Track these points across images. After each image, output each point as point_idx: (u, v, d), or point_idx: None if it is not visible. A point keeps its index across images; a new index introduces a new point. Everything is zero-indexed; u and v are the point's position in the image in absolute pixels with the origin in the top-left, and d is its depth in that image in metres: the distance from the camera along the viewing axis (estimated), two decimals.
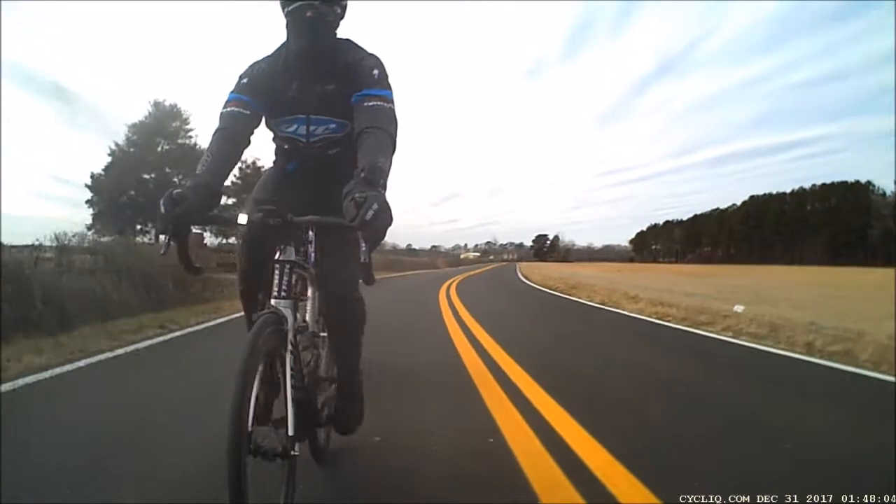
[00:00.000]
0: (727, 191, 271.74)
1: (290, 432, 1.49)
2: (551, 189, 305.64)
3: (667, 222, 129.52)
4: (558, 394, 3.48)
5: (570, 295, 14.71)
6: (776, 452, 2.53)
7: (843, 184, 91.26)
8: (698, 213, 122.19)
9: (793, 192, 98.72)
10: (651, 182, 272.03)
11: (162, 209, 1.51)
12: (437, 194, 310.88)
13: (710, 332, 7.10)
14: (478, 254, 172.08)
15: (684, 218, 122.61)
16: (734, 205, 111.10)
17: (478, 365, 4.54)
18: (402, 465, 2.32)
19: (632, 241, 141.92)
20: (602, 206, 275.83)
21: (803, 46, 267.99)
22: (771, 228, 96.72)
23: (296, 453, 1.51)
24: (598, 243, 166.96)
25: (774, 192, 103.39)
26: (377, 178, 1.53)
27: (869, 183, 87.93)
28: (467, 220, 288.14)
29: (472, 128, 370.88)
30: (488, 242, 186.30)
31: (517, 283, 22.74)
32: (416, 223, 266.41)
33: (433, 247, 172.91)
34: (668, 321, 8.30)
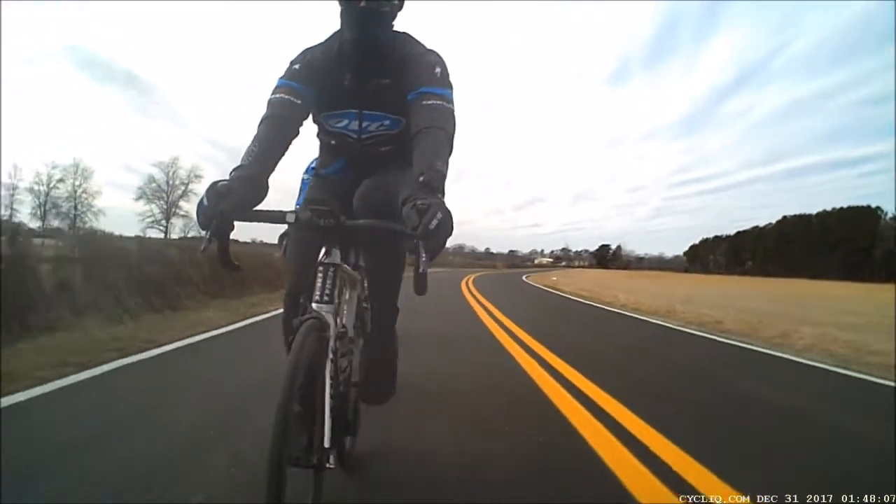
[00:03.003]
0: (802, 203, 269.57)
1: (327, 444, 1.46)
2: (631, 197, 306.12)
3: (716, 237, 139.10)
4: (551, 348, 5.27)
5: (554, 288, 20.87)
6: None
7: (856, 208, 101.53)
8: (741, 229, 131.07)
9: (818, 214, 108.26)
10: (728, 193, 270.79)
11: (205, 202, 1.44)
12: (522, 198, 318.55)
13: (648, 318, 10.04)
14: (551, 259, 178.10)
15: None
16: (770, 223, 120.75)
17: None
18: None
19: (685, 253, 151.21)
20: (680, 216, 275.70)
21: (877, 59, 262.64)
22: (798, 246, 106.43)
23: (330, 465, 1.48)
24: (672, 253, 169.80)
25: (806, 212, 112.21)
26: (438, 184, 1.51)
27: (878, 207, 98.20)
28: (549, 225, 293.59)
29: (556, 133, 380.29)
30: (563, 249, 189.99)
31: (521, 283, 27.07)
32: (499, 226, 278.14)
33: (511, 251, 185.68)
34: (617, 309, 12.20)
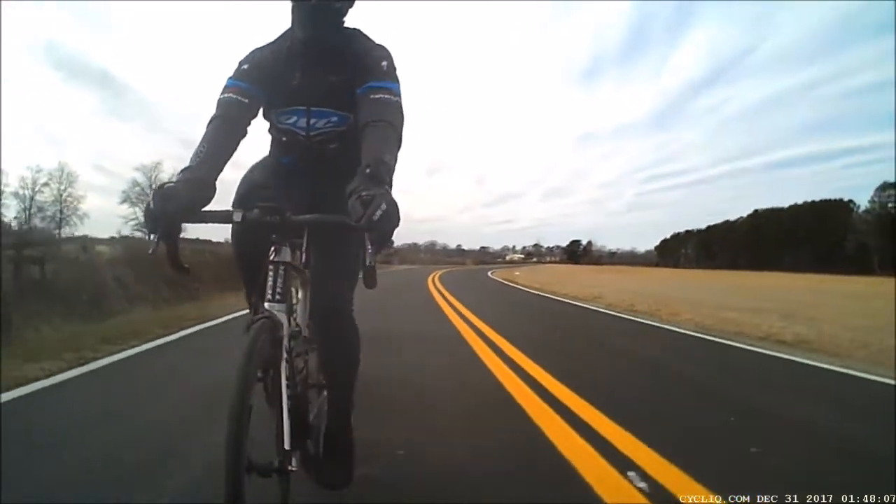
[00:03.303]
0: (780, 197, 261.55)
1: (287, 446, 1.44)
2: (604, 192, 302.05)
3: (686, 231, 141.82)
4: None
5: (512, 282, 23.88)
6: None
7: (828, 201, 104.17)
8: (711, 223, 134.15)
9: (789, 207, 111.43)
10: (704, 187, 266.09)
11: (151, 205, 1.43)
12: (494, 194, 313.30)
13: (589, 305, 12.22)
14: (522, 255, 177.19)
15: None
16: (741, 217, 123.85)
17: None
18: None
19: (657, 248, 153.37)
20: (654, 211, 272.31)
21: (857, 54, 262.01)
22: (769, 239, 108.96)
23: (293, 468, 1.46)
24: (644, 248, 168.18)
25: (774, 206, 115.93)
26: (384, 176, 1.49)
27: (850, 201, 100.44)
28: (521, 221, 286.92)
29: (528, 129, 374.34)
30: (535, 245, 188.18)
31: (484, 277, 30.19)
32: (471, 223, 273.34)
33: (482, 248, 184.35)
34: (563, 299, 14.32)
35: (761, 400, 3.97)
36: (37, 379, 3.90)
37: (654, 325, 8.61)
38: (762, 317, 9.86)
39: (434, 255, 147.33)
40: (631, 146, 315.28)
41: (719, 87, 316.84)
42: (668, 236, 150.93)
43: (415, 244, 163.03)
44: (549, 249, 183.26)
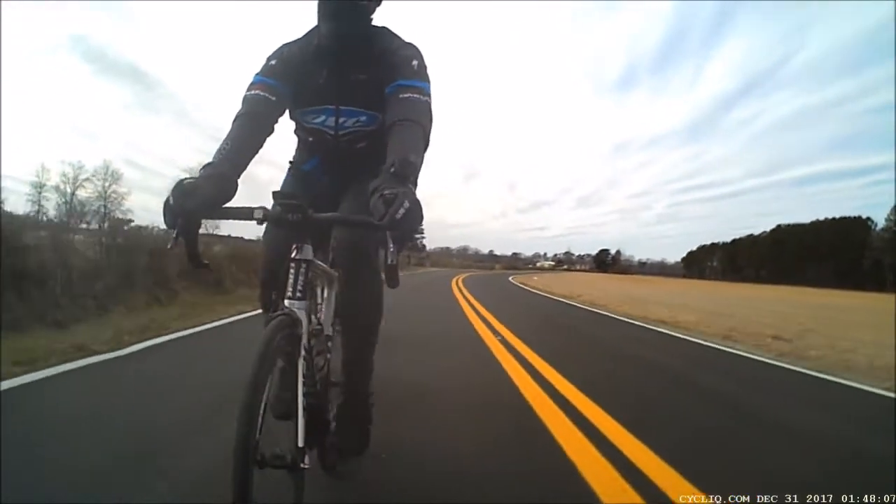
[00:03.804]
0: (809, 212, 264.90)
1: (300, 443, 1.44)
2: (636, 202, 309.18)
3: (712, 244, 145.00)
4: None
5: (524, 284, 27.19)
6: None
7: (847, 218, 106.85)
8: (736, 237, 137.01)
9: (811, 223, 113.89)
10: (734, 200, 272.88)
11: (171, 200, 1.44)
12: (527, 201, 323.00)
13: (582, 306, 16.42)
14: (553, 263, 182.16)
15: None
16: (765, 232, 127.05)
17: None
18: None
19: (683, 259, 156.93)
20: (685, 222, 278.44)
21: (882, 70, 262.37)
22: (790, 254, 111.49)
23: (305, 465, 1.44)
24: (674, 259, 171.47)
25: (801, 221, 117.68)
26: (408, 174, 1.50)
27: (868, 218, 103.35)
28: (553, 229, 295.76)
29: (563, 137, 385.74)
30: (566, 253, 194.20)
31: (504, 280, 33.95)
32: (503, 229, 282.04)
33: (514, 254, 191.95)
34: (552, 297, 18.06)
35: (659, 359, 6.30)
36: None
37: (613, 317, 11.51)
38: (701, 316, 12.52)
39: (466, 259, 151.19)
40: (663, 157, 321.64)
41: (752, 99, 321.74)
42: (695, 248, 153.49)
43: (447, 248, 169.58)
44: (580, 258, 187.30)
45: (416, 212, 1.36)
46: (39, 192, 53.11)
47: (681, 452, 2.74)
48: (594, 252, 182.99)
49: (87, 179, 55.82)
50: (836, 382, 5.30)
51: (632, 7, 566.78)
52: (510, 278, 38.26)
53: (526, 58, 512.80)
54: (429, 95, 1.88)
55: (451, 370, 4.70)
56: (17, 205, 47.05)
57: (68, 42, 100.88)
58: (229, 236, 21.68)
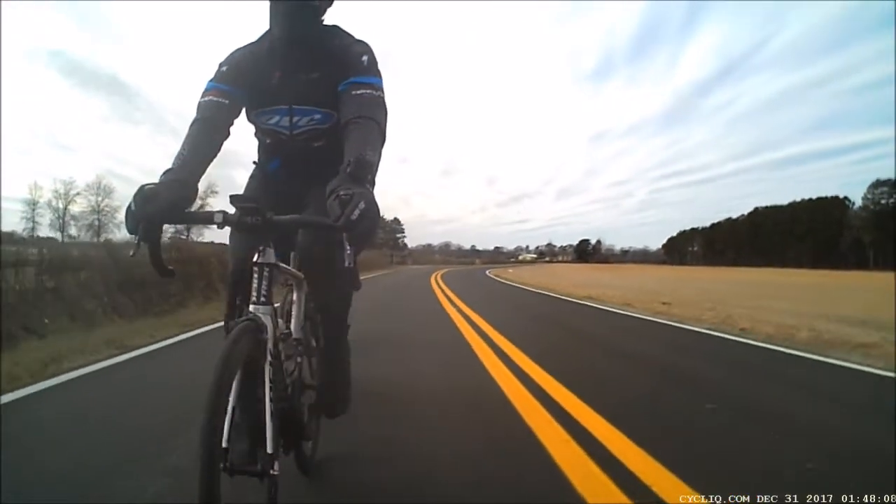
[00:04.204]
0: (791, 193, 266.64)
1: (269, 450, 1.43)
2: (617, 190, 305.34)
3: (692, 229, 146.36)
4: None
5: (496, 276, 30.40)
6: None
7: (824, 198, 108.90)
8: (715, 221, 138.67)
9: (789, 204, 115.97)
10: (714, 184, 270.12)
11: (132, 206, 1.45)
12: (506, 194, 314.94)
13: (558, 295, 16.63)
14: (535, 255, 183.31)
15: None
16: (742, 215, 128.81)
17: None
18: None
19: (663, 246, 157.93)
20: (666, 208, 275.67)
21: (865, 49, 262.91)
22: (767, 236, 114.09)
23: (275, 472, 1.43)
24: (656, 246, 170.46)
25: (777, 203, 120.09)
26: (364, 174, 1.49)
27: (846, 198, 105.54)
28: (535, 221, 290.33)
29: (541, 129, 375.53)
30: (548, 244, 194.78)
31: (480, 273, 36.59)
32: (484, 223, 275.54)
33: (496, 248, 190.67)
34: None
35: (565, 318, 8.98)
36: None
37: (552, 296, 14.08)
38: (624, 292, 14.89)
39: (448, 255, 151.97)
40: (643, 144, 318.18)
41: (729, 84, 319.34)
42: (675, 234, 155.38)
43: (429, 245, 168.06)
44: (563, 248, 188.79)
45: (372, 212, 1.36)
46: (33, 209, 55.40)
47: (555, 363, 4.65)
48: (576, 243, 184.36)
49: (78, 194, 58.39)
50: (681, 328, 7.73)
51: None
52: (487, 272, 40.53)
53: (501, 50, 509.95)
54: (381, 91, 1.90)
55: (423, 326, 7.54)
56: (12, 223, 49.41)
57: (46, 56, 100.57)
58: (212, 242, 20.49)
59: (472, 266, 74.68)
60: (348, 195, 1.37)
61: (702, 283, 25.28)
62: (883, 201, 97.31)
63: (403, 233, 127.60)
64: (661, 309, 10.32)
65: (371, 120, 1.79)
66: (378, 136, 1.80)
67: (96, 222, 57.48)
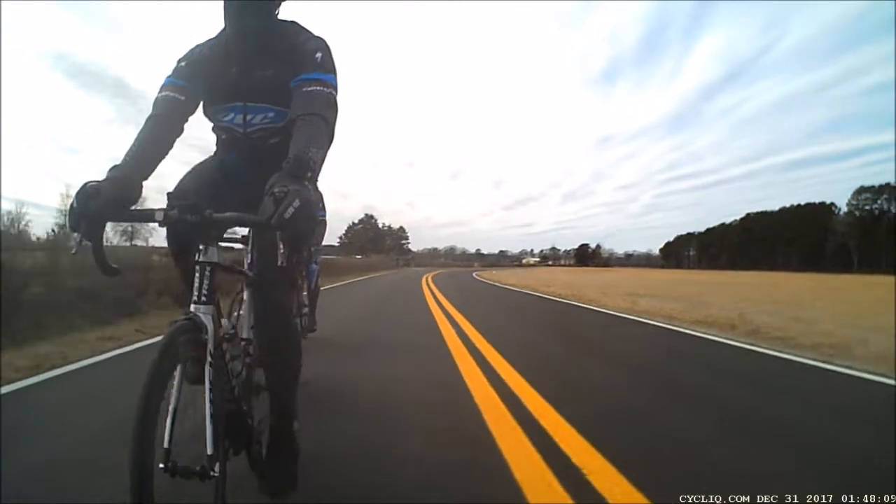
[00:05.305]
0: (798, 196, 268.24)
1: (209, 451, 1.40)
2: (622, 194, 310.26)
3: (688, 234, 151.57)
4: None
5: (481, 277, 33.24)
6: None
7: (812, 204, 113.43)
8: (709, 226, 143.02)
9: (779, 210, 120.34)
10: (721, 188, 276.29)
11: (74, 203, 1.43)
12: (512, 197, 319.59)
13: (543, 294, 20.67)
14: (538, 259, 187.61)
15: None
16: (735, 220, 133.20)
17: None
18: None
19: (661, 250, 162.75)
20: (671, 212, 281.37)
21: (869, 52, 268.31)
22: (757, 241, 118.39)
23: (215, 473, 1.40)
24: (659, 250, 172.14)
25: (768, 209, 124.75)
26: (303, 171, 1.49)
27: (832, 204, 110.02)
28: (541, 224, 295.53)
29: (547, 132, 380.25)
30: (552, 248, 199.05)
31: (467, 275, 38.58)
32: (491, 227, 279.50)
33: (501, 251, 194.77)
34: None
35: (533, 309, 11.48)
36: None
37: (528, 294, 16.49)
38: (594, 291, 17.79)
39: (453, 259, 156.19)
40: (649, 148, 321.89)
41: (736, 88, 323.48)
42: (672, 239, 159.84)
43: (435, 249, 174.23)
44: (567, 252, 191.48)
45: (306, 211, 1.34)
46: (65, 216, 58.27)
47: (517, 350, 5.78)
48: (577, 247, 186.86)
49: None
50: (631, 319, 9.12)
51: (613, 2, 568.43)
52: (474, 274, 42.05)
53: (509, 53, 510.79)
54: (333, 87, 1.87)
55: (404, 309, 10.15)
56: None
57: (51, 59, 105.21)
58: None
59: (468, 268, 79.25)
60: (283, 192, 1.34)
61: (669, 284, 27.16)
62: (867, 207, 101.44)
63: (408, 239, 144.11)
64: (623, 305, 12.08)
65: (318, 117, 1.75)
66: (325, 133, 1.76)
67: (129, 228, 58.67)
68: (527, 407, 3.30)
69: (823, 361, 5.12)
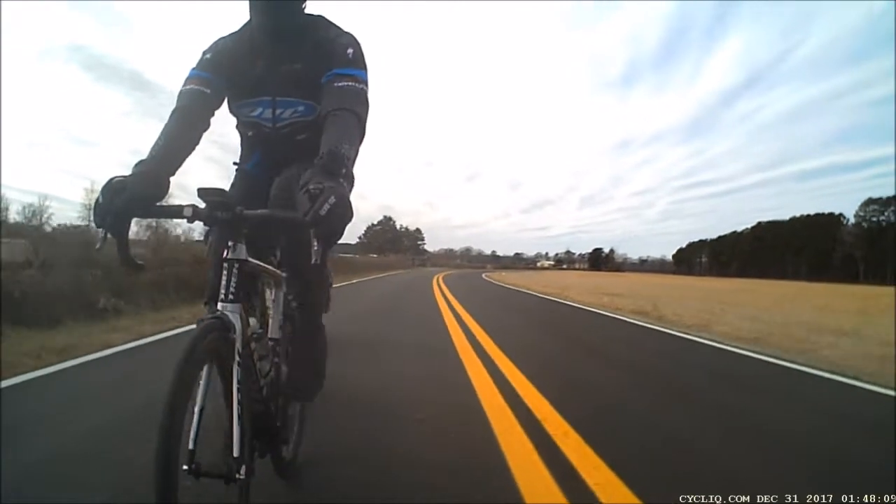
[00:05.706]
0: (809, 206, 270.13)
1: (235, 453, 1.39)
2: (639, 199, 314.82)
3: (700, 241, 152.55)
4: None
5: (489, 277, 37.45)
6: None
7: (821, 214, 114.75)
8: (721, 234, 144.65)
9: (789, 220, 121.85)
10: (735, 196, 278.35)
11: (100, 199, 1.41)
12: (529, 200, 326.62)
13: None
14: (553, 262, 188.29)
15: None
16: (747, 228, 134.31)
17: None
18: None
19: (673, 256, 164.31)
20: (688, 219, 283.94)
21: (885, 62, 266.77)
22: (768, 250, 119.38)
23: (241, 476, 1.39)
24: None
25: (779, 218, 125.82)
26: (338, 167, 1.43)
27: (841, 214, 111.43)
28: (557, 228, 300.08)
29: (565, 136, 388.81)
30: (566, 252, 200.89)
31: (476, 275, 42.81)
32: (507, 230, 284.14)
33: (516, 254, 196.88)
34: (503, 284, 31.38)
35: (528, 306, 13.97)
36: None
37: (525, 292, 18.49)
38: (582, 293, 20.32)
39: (468, 260, 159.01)
40: (666, 154, 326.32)
41: (754, 94, 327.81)
42: (684, 245, 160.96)
43: (451, 250, 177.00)
44: (581, 256, 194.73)
45: (342, 208, 1.30)
46: (89, 210, 60.43)
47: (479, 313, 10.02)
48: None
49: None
50: (611, 316, 10.44)
51: (632, 2, 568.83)
52: (483, 275, 44.88)
53: (527, 56, 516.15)
54: (365, 83, 1.85)
55: (412, 300, 12.84)
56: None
57: (66, 51, 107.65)
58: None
59: (480, 269, 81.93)
60: (318, 189, 1.30)
61: (660, 288, 28.67)
62: (874, 218, 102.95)
63: (424, 240, 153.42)
64: (604, 302, 13.91)
65: (351, 112, 1.72)
66: (357, 129, 1.73)
67: (154, 224, 62.36)
68: (503, 373, 4.08)
69: (685, 333, 7.71)
